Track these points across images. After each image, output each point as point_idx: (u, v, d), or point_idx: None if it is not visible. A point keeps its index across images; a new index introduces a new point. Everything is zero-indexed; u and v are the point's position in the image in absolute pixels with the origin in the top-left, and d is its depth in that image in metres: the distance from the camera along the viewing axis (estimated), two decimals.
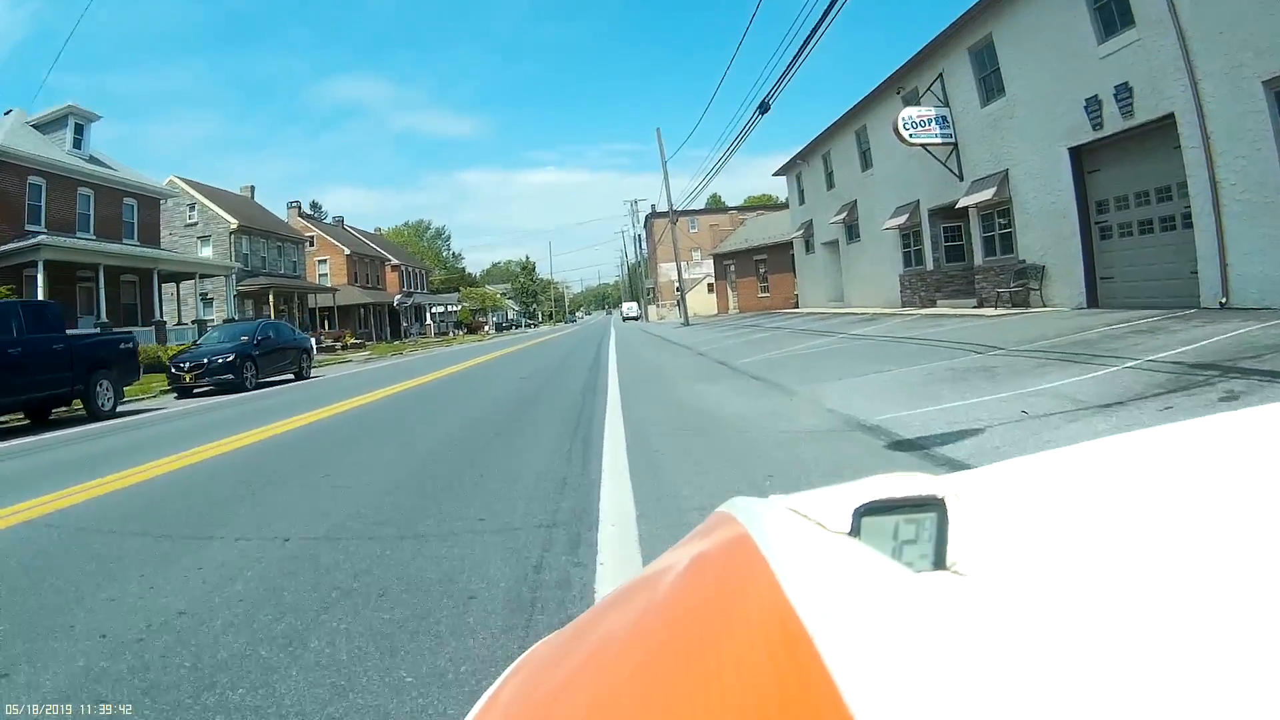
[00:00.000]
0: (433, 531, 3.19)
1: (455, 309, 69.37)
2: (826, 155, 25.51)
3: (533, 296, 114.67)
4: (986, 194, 15.27)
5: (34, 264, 20.50)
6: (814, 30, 12.52)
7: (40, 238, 21.18)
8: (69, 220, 24.00)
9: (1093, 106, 12.37)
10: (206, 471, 5.42)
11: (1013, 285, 14.86)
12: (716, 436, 5.10)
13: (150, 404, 14.01)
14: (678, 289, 36.63)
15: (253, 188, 43.81)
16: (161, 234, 29.80)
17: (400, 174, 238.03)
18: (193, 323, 26.93)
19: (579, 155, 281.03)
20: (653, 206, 62.85)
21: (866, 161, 22.22)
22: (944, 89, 17.00)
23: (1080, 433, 4.02)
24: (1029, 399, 5.32)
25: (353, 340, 39.20)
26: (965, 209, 16.47)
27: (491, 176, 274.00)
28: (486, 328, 71.74)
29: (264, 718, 1.81)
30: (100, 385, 11.47)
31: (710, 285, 50.69)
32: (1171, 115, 10.84)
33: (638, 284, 73.73)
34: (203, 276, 29.78)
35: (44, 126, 25.33)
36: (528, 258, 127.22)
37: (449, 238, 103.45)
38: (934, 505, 0.41)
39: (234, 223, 35.85)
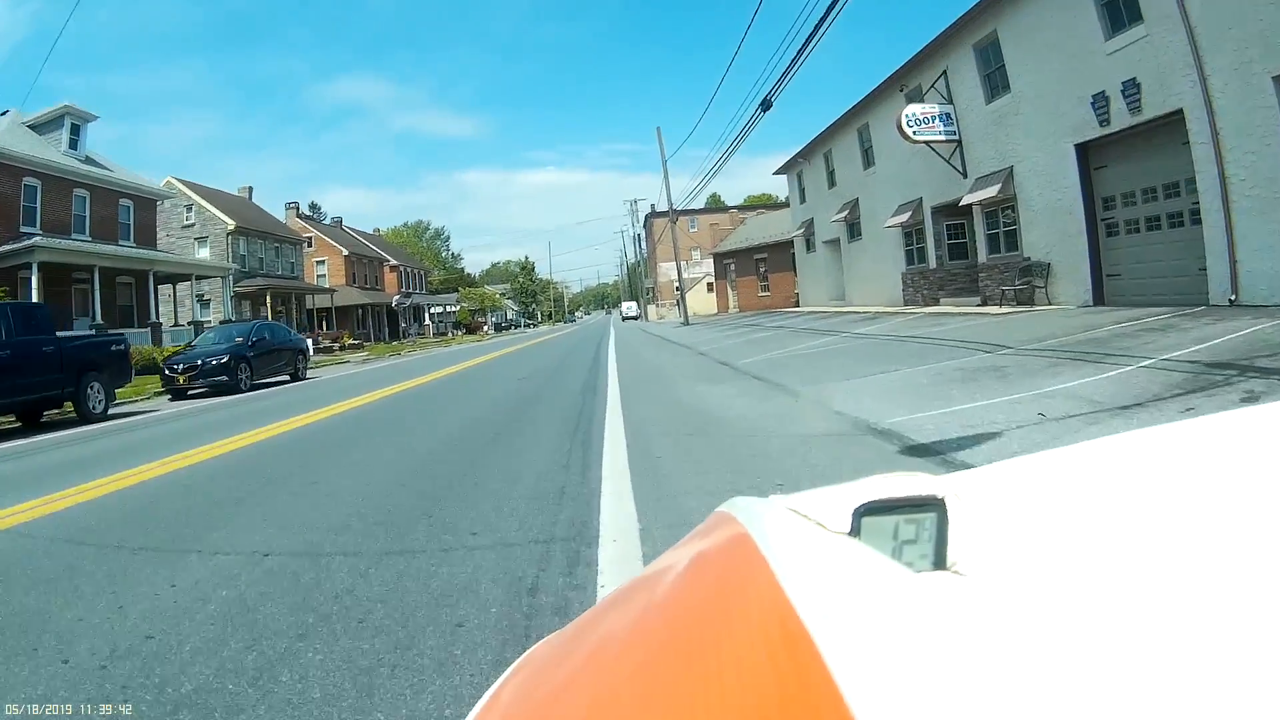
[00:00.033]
0: (422, 547, 3.00)
1: (454, 309, 69.18)
2: (828, 154, 25.36)
3: (532, 297, 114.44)
4: (991, 191, 15.12)
5: (28, 266, 20.29)
6: (818, 25, 12.35)
7: (35, 239, 20.98)
8: (64, 221, 23.81)
9: (1100, 102, 12.25)
10: (191, 477, 5.22)
11: (1017, 283, 14.69)
12: (721, 440, 4.90)
13: (144, 406, 13.81)
14: (677, 288, 36.47)
15: (250, 188, 43.61)
16: (158, 235, 29.60)
17: (400, 174, 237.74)
18: (189, 324, 26.72)
19: (579, 155, 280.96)
20: (652, 206, 62.70)
21: (868, 159, 22.08)
22: (948, 86, 16.84)
23: (1101, 436, 3.83)
24: (1044, 401, 5.15)
25: (351, 341, 39.00)
26: (969, 206, 16.32)
27: (491, 176, 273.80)
28: (485, 328, 71.55)
29: None
30: (91, 388, 11.27)
31: (710, 284, 50.49)
32: (1180, 111, 10.76)
33: (637, 284, 73.54)
34: (199, 278, 29.56)
35: (40, 127, 25.16)
36: (527, 258, 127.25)
37: (448, 238, 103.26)
38: (934, 505, 0.41)
39: (231, 223, 35.65)
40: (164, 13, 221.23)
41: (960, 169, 16.68)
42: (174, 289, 30.09)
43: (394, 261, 59.46)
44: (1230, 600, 0.30)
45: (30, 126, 24.90)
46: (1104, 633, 0.28)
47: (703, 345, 15.62)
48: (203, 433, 7.97)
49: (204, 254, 34.72)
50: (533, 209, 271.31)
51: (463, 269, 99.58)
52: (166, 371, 15.03)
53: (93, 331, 17.01)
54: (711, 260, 47.82)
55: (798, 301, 32.03)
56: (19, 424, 11.18)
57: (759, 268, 40.10)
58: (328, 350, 33.52)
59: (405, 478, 4.49)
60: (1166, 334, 7.85)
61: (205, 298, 32.74)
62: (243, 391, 14.87)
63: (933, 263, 18.90)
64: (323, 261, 49.19)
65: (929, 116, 16.56)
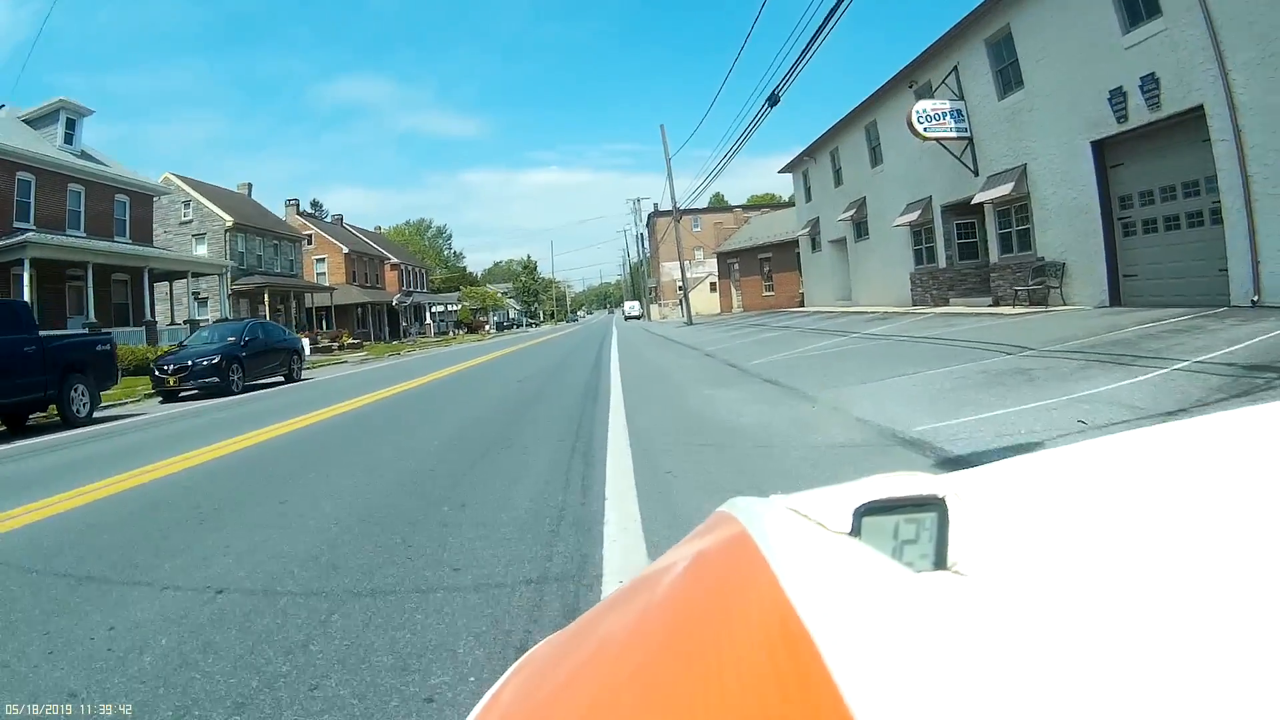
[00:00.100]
0: (394, 585, 2.59)
1: (455, 308, 68.84)
2: (834, 152, 24.99)
3: (534, 296, 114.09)
4: (1004, 189, 14.75)
5: (20, 262, 19.92)
6: (830, 13, 11.94)
7: (28, 235, 20.59)
8: (59, 217, 23.46)
9: (1117, 98, 11.93)
10: (158, 492, 4.82)
11: (1031, 283, 14.32)
12: (736, 452, 4.48)
13: (132, 409, 13.42)
14: (680, 288, 36.11)
15: (249, 185, 43.18)
16: (155, 232, 29.23)
17: (402, 174, 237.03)
18: (185, 322, 26.33)
19: (581, 155, 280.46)
20: (655, 205, 62.19)
21: (876, 157, 21.71)
22: (959, 82, 16.47)
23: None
24: (1080, 406, 4.80)
25: (350, 340, 38.60)
26: (981, 205, 15.97)
27: (494, 176, 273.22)
28: (487, 327, 71.18)
29: None
30: (75, 390, 10.85)
31: (713, 284, 50.03)
32: (1201, 107, 10.49)
33: (640, 283, 73.12)
34: (197, 275, 29.15)
35: (35, 122, 24.86)
36: (529, 257, 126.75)
37: (450, 237, 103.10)
38: (934, 505, 0.41)
39: (229, 220, 35.26)
40: (166, 12, 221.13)
41: (971, 167, 16.31)
42: (170, 287, 29.69)
43: (395, 260, 59.04)
44: (1230, 600, 0.30)
45: (25, 121, 24.59)
46: (1104, 633, 0.28)
47: (708, 346, 15.24)
48: (185, 439, 7.59)
49: (202, 251, 34.31)
50: (535, 208, 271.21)
51: (464, 268, 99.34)
52: (156, 373, 14.62)
53: (85, 330, 16.65)
54: (715, 260, 47.35)
55: (803, 301, 31.63)
56: (3, 429, 10.77)
57: (763, 267, 39.65)
58: (326, 350, 33.14)
59: (386, 496, 4.06)
60: (1194, 335, 7.57)
61: (202, 296, 32.34)
62: (234, 393, 14.47)
63: (942, 262, 18.52)
64: (323, 259, 48.80)
65: (940, 113, 16.19)
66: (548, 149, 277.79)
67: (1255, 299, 9.81)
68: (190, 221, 35.73)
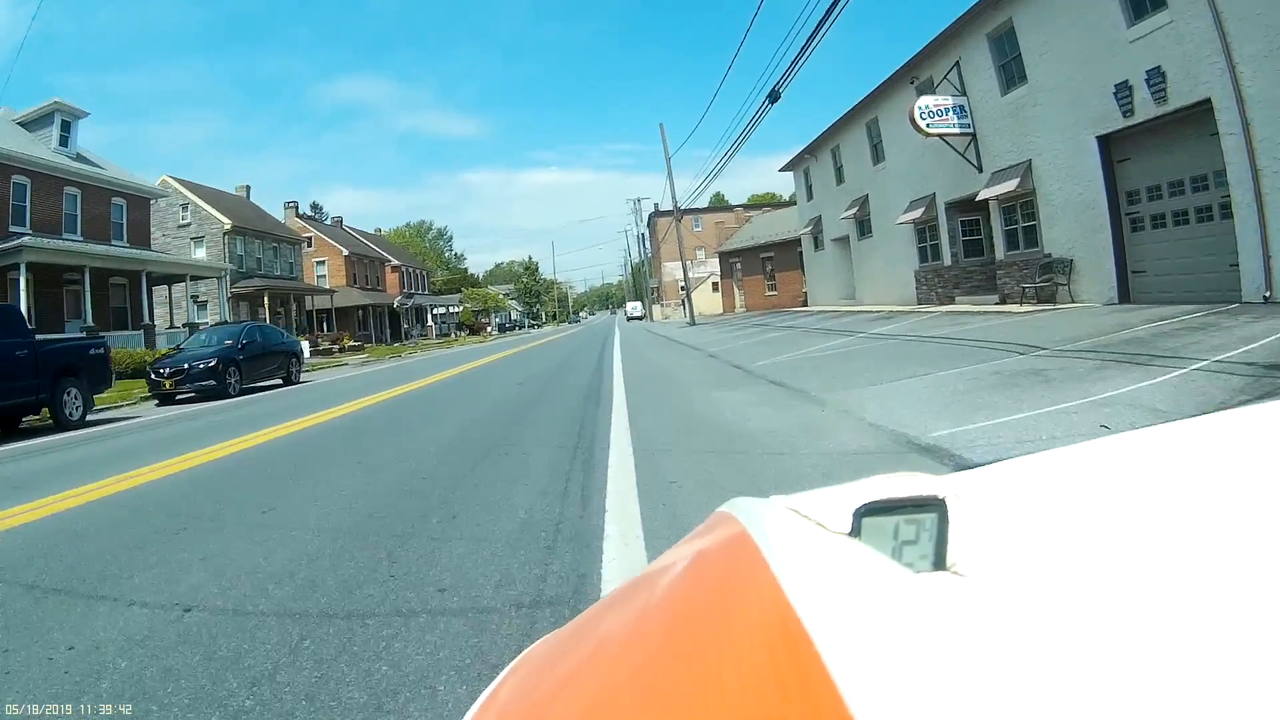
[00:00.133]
0: (374, 607, 2.38)
1: (457, 310, 68.67)
2: (836, 149, 24.79)
3: (536, 297, 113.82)
4: (1009, 185, 14.55)
5: (17, 267, 19.76)
6: (829, 11, 11.76)
7: (23, 239, 20.44)
8: (55, 221, 23.31)
9: (1123, 92, 11.76)
10: (140, 498, 4.63)
11: (1038, 280, 14.12)
12: (744, 460, 4.27)
13: (127, 412, 13.24)
14: (682, 288, 35.92)
15: (248, 187, 43.01)
16: (153, 235, 29.09)
17: (403, 174, 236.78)
18: (184, 326, 26.16)
19: (581, 155, 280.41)
20: (655, 205, 61.98)
21: (878, 155, 21.51)
22: (961, 77, 16.28)
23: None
24: (1102, 410, 4.60)
25: (351, 343, 38.41)
26: (985, 201, 15.77)
27: (494, 176, 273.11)
28: (489, 329, 71.01)
29: None
30: (68, 393, 10.68)
31: (715, 284, 49.79)
32: (1208, 100, 10.35)
33: (641, 283, 72.90)
34: (195, 278, 28.96)
35: (30, 124, 24.69)
36: (530, 258, 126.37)
37: (451, 238, 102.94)
38: (934, 505, 0.41)
39: (228, 223, 35.11)
40: (165, 12, 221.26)
41: (975, 163, 16.12)
42: (169, 290, 29.52)
43: (396, 262, 58.87)
44: (1230, 600, 0.30)
45: (20, 123, 24.44)
46: (1103, 633, 0.28)
47: (711, 346, 15.04)
48: (177, 443, 7.40)
49: (200, 254, 34.16)
50: (536, 209, 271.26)
51: (466, 269, 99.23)
52: (152, 376, 14.44)
53: (82, 334, 16.51)
54: (716, 260, 47.13)
55: (806, 301, 31.43)
56: None
57: (765, 266, 39.42)
58: (327, 352, 32.96)
59: (374, 505, 3.85)
60: (1208, 333, 7.39)
61: (201, 299, 32.16)
62: (231, 396, 14.29)
63: (947, 260, 18.31)
64: (323, 262, 48.64)
65: (943, 109, 16.00)
66: (548, 149, 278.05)
67: (1267, 295, 9.66)
68: (188, 224, 35.58)
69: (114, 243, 25.31)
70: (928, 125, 15.83)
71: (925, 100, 16.05)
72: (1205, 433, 0.49)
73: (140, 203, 27.79)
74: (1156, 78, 10.99)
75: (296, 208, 50.56)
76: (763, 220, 44.38)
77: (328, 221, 55.89)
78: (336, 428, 7.77)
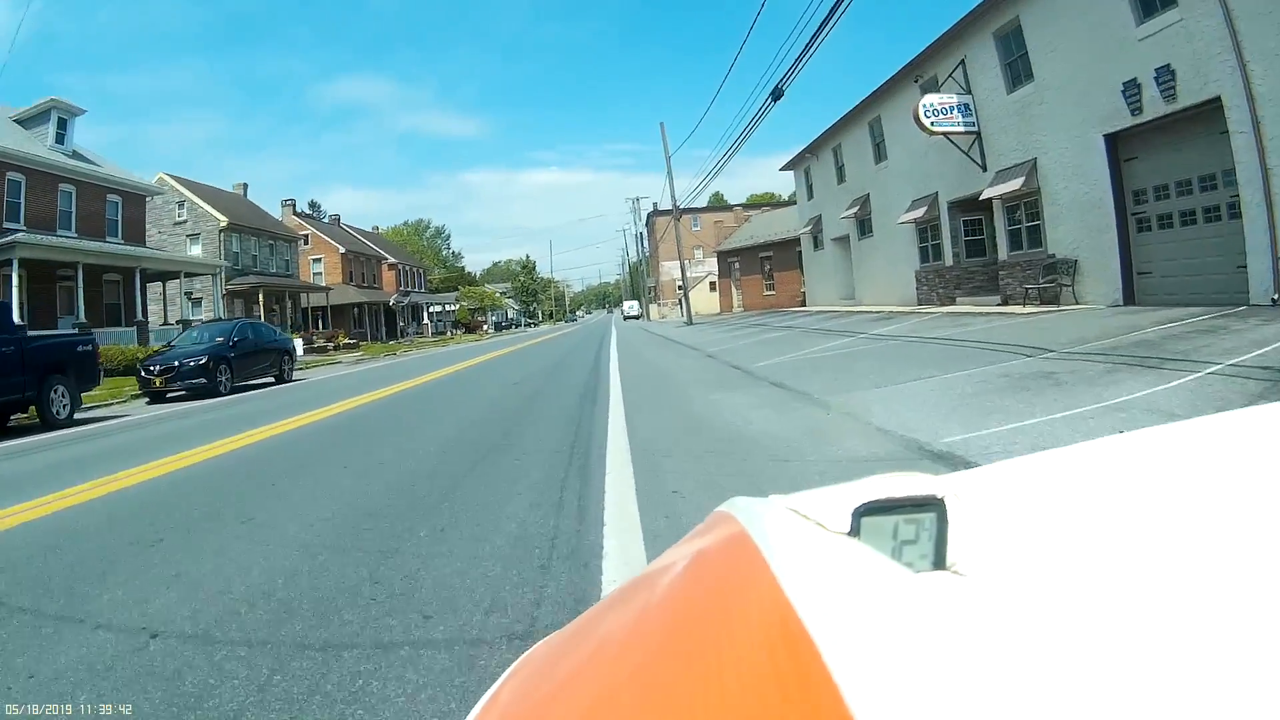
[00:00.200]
0: (352, 637, 2.18)
1: (453, 308, 68.39)
2: (837, 148, 24.62)
3: (533, 295, 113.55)
4: (1013, 185, 14.39)
5: (9, 263, 19.56)
6: (832, 10, 11.58)
7: (17, 235, 20.22)
8: (49, 217, 23.10)
9: (1131, 90, 11.61)
10: (119, 505, 4.43)
11: (1042, 281, 13.95)
12: (749, 466, 4.08)
13: (116, 410, 13.03)
14: (680, 287, 35.74)
15: (245, 185, 42.78)
16: (148, 232, 28.86)
17: (403, 174, 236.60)
18: (177, 323, 25.93)
19: (581, 155, 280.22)
20: (654, 205, 61.77)
21: (880, 154, 21.34)
22: (966, 76, 16.12)
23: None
24: (1118, 414, 4.44)
25: (346, 340, 38.20)
26: (989, 201, 15.62)
27: (494, 176, 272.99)
28: (485, 327, 70.72)
29: None
30: (55, 391, 10.47)
31: (713, 284, 49.60)
32: (1218, 99, 10.22)
33: (639, 283, 72.67)
34: (190, 275, 28.75)
35: (26, 121, 24.53)
36: (528, 256, 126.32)
37: (449, 237, 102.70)
38: (934, 505, 0.41)
39: (224, 220, 34.87)
40: (165, 12, 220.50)
41: (979, 162, 15.96)
42: (164, 287, 29.31)
43: (392, 260, 58.62)
44: (1229, 600, 0.30)
45: (16, 121, 24.23)
46: (1102, 633, 0.28)
47: (710, 346, 14.86)
48: (165, 443, 7.20)
49: (196, 251, 33.90)
50: (535, 208, 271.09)
51: (463, 268, 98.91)
52: (143, 373, 14.24)
53: (74, 330, 16.29)
54: (715, 260, 46.94)
55: (805, 301, 31.25)
56: None
57: (764, 266, 39.23)
58: (322, 350, 32.74)
59: (355, 520, 3.61)
60: (1219, 336, 7.25)
61: (196, 296, 31.94)
62: (222, 394, 14.08)
63: (949, 260, 18.14)
64: (319, 259, 48.38)
65: (947, 107, 15.84)
66: (548, 149, 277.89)
67: (1276, 297, 9.52)
68: (184, 222, 35.33)
69: (109, 239, 25.10)
70: (932, 123, 15.67)
71: (930, 98, 15.89)
72: (1205, 433, 0.49)
73: (136, 200, 27.58)
74: (1166, 75, 10.87)
75: (294, 205, 50.30)
76: (761, 220, 44.20)
77: (325, 220, 55.61)
78: (328, 428, 7.57)
